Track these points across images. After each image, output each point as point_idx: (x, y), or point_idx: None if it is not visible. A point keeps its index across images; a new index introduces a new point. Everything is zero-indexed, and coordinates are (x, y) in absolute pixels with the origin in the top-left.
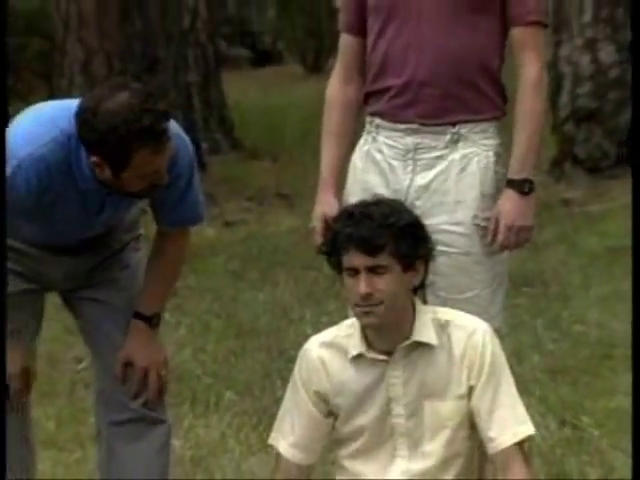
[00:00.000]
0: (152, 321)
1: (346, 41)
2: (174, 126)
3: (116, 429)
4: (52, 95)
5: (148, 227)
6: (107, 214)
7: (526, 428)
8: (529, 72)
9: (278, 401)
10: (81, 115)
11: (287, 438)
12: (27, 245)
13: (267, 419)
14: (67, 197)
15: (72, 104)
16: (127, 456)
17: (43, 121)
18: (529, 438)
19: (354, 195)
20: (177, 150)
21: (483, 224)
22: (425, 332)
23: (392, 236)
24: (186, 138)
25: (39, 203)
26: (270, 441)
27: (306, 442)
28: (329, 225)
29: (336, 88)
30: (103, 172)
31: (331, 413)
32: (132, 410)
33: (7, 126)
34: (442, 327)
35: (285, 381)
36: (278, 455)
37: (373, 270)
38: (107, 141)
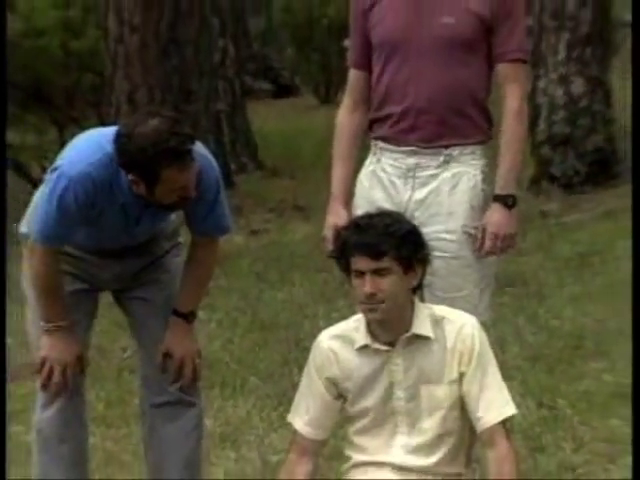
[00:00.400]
0: (188, 317)
1: (354, 75)
2: (200, 148)
3: (156, 410)
4: (102, 122)
5: (186, 236)
6: (145, 225)
7: (509, 409)
8: (512, 103)
9: (295, 386)
10: (118, 139)
11: (303, 417)
12: (81, 251)
13: (286, 401)
14: (110, 210)
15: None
16: (166, 433)
17: (92, 145)
18: (511, 417)
19: (361, 208)
20: (203, 169)
21: (472, 232)
22: (422, 326)
23: (394, 243)
24: (211, 159)
25: (87, 214)
26: (288, 419)
27: (319, 421)
28: (339, 233)
29: (345, 117)
30: (139, 188)
31: (341, 396)
32: (170, 394)
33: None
34: (437, 322)
35: (301, 368)
36: (295, 432)
37: (377, 272)
38: (139, 161)
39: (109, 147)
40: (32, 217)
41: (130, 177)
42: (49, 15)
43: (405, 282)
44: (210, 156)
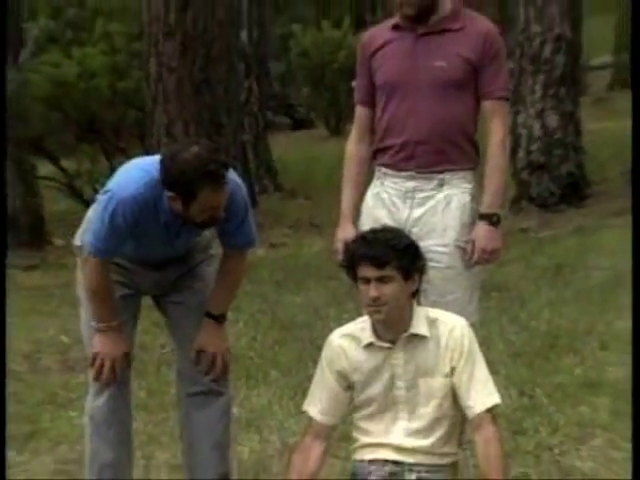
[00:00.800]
0: (219, 319)
1: (360, 111)
2: (232, 174)
3: (190, 398)
4: (145, 151)
5: (218, 249)
6: (183, 239)
7: (494, 398)
8: (496, 135)
9: (310, 378)
10: (163, 162)
11: (316, 406)
12: (128, 262)
13: (302, 391)
14: (153, 227)
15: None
16: (198, 418)
17: (138, 171)
18: (496, 406)
19: (366, 225)
20: (233, 192)
21: (462, 246)
22: (420, 326)
23: (395, 255)
24: (241, 184)
25: (134, 231)
26: (304, 408)
27: (330, 409)
28: (348, 246)
29: (352, 147)
30: (176, 204)
31: (349, 387)
32: (203, 384)
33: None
34: (432, 322)
35: (315, 363)
36: (310, 418)
37: (381, 279)
38: (180, 181)
39: (154, 173)
40: (86, 232)
41: (169, 194)
42: (99, 60)
43: (405, 288)
44: (240, 181)
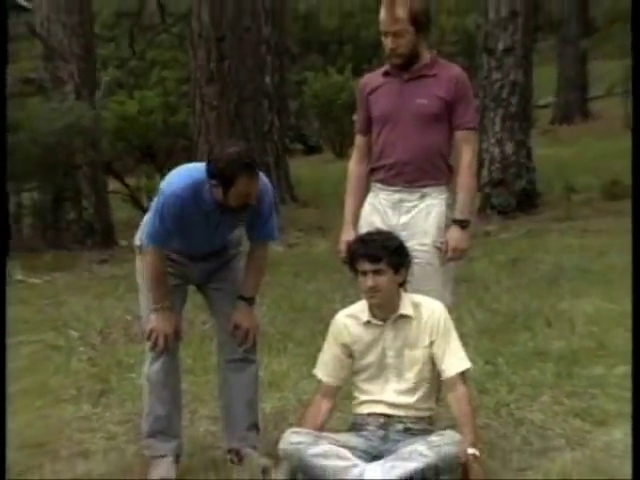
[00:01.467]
0: (249, 301)
1: (359, 139)
2: (264, 178)
3: (228, 365)
4: None
5: (244, 247)
6: (220, 232)
7: (465, 363)
8: (466, 158)
9: (319, 349)
10: (210, 156)
11: (324, 370)
12: (179, 256)
13: (313, 360)
14: (196, 218)
15: (201, 165)
16: (234, 381)
17: (183, 172)
18: (467, 370)
19: (364, 228)
20: (264, 192)
21: (439, 246)
22: (406, 309)
23: (387, 253)
24: (270, 185)
25: (180, 223)
26: (314, 372)
27: (335, 372)
28: (349, 246)
29: (353, 167)
30: (217, 192)
31: (351, 356)
32: (238, 353)
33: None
34: (416, 306)
35: (324, 337)
36: (319, 381)
37: (376, 272)
38: (222, 170)
39: (195, 174)
40: (144, 231)
41: (213, 182)
42: (155, 100)
43: (395, 279)
44: (269, 184)
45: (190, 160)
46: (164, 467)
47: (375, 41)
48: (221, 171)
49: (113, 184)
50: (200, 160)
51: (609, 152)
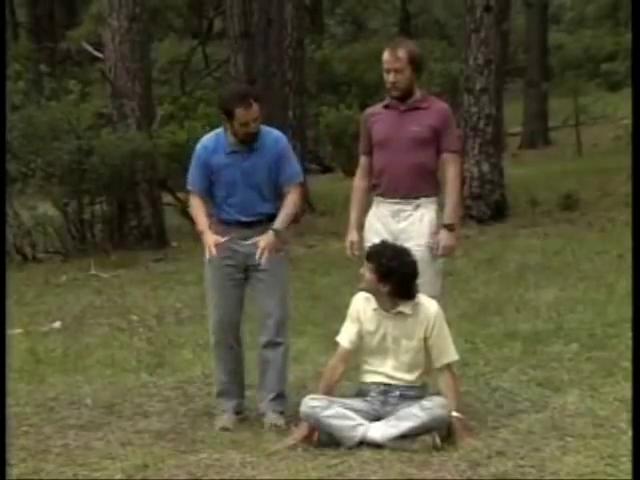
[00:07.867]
0: (275, 232)
1: (362, 159)
2: (278, 132)
3: (264, 344)
4: None
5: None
6: (253, 179)
7: (453, 356)
8: (450, 176)
9: (333, 332)
10: (219, 95)
11: (346, 336)
12: (230, 218)
13: (327, 339)
14: (224, 163)
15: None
16: (268, 357)
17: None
18: (453, 362)
19: (370, 232)
20: (278, 136)
21: (431, 246)
22: (405, 307)
23: (384, 271)
24: (284, 136)
25: (212, 170)
26: (337, 339)
27: (353, 339)
28: (353, 247)
29: (357, 182)
30: (229, 127)
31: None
32: (272, 335)
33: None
34: (415, 305)
35: (336, 322)
36: (339, 345)
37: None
38: (223, 104)
39: (218, 130)
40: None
41: (223, 117)
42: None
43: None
44: (283, 135)
45: None
46: (223, 419)
47: (377, 83)
48: (222, 106)
49: (166, 198)
50: None
51: (564, 172)
